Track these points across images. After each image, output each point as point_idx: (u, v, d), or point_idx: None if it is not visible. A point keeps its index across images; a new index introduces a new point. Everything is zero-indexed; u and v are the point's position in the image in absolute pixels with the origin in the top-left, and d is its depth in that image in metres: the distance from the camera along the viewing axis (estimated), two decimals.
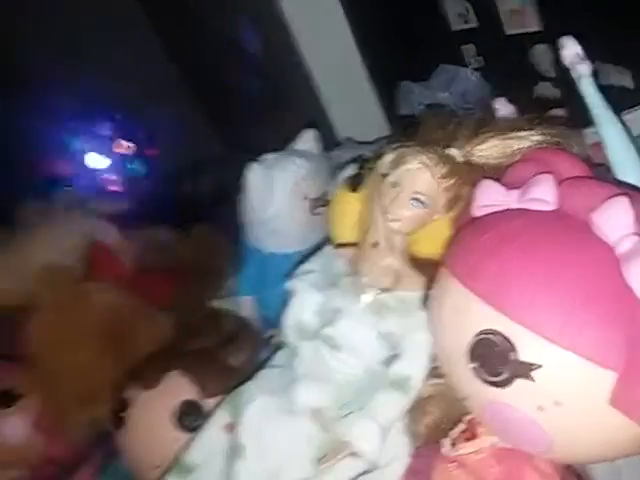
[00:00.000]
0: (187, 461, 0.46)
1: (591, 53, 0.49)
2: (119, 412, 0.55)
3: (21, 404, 0.63)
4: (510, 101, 0.51)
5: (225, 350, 0.58)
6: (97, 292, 0.64)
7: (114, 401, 0.57)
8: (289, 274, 0.50)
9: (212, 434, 0.46)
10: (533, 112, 0.47)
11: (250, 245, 0.70)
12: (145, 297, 0.65)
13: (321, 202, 0.65)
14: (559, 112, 0.64)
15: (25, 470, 0.63)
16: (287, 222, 0.65)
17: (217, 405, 0.49)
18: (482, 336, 0.34)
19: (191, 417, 0.52)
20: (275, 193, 0.63)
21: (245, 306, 0.68)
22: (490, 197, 0.40)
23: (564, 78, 0.52)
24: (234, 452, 0.43)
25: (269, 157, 0.66)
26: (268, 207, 0.64)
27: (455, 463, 0.40)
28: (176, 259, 0.71)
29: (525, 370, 0.32)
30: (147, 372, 0.55)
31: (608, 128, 0.48)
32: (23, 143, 1.35)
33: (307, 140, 0.69)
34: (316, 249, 0.51)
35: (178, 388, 0.54)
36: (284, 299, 0.62)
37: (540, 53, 0.73)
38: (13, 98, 1.38)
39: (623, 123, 0.49)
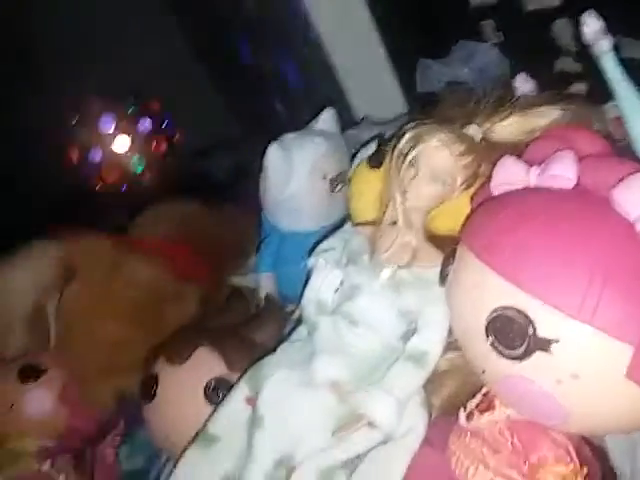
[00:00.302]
0: (210, 432, 0.47)
1: (612, 27, 0.48)
2: (149, 386, 0.57)
3: (45, 378, 0.65)
4: (530, 77, 0.51)
5: (251, 326, 0.60)
6: (129, 265, 0.65)
7: (144, 375, 0.59)
8: (309, 252, 0.51)
9: (234, 406, 0.48)
10: (553, 88, 0.47)
11: (269, 223, 0.71)
12: (175, 271, 0.67)
13: (340, 181, 0.65)
14: (580, 87, 0.63)
15: (50, 441, 0.65)
16: (306, 201, 0.65)
17: (238, 379, 0.50)
18: (500, 311, 0.35)
19: (220, 392, 0.53)
20: (294, 172, 0.64)
21: (264, 283, 0.69)
22: (509, 174, 0.40)
23: (585, 52, 0.51)
24: (254, 423, 0.45)
25: (288, 137, 0.66)
26: (287, 186, 0.64)
27: (470, 434, 0.41)
28: (205, 234, 0.72)
29: (543, 344, 0.33)
30: (176, 348, 0.57)
31: (629, 103, 0.48)
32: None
33: (326, 119, 0.69)
34: (336, 227, 0.51)
35: (207, 364, 0.55)
36: (303, 276, 0.63)
37: (560, 27, 0.72)
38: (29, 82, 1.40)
39: None
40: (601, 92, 0.53)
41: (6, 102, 1.34)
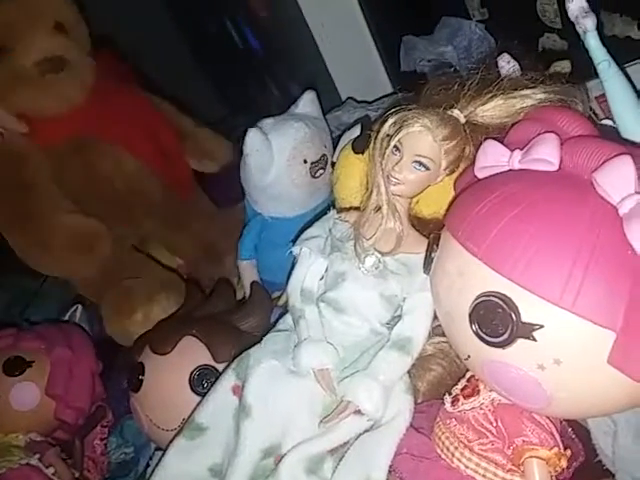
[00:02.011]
0: (197, 422, 0.48)
1: (597, 3, 0.48)
2: (135, 376, 0.56)
3: (31, 370, 0.65)
4: (514, 54, 0.50)
5: (237, 316, 0.59)
6: None
7: (130, 365, 0.59)
8: (293, 240, 0.50)
9: (220, 396, 0.48)
10: (538, 66, 0.46)
11: (251, 210, 0.70)
12: None
13: (321, 165, 0.64)
14: (564, 64, 0.62)
15: (38, 435, 0.65)
16: (287, 186, 0.64)
17: (224, 368, 0.50)
18: (483, 298, 0.35)
19: (205, 382, 0.54)
20: (274, 158, 0.63)
21: (246, 270, 0.69)
22: (492, 158, 0.40)
23: (570, 30, 0.50)
24: (242, 412, 0.45)
25: (267, 122, 0.65)
26: (267, 172, 0.64)
27: (456, 419, 0.41)
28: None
29: (526, 331, 0.33)
30: (161, 338, 0.57)
31: (612, 82, 0.47)
32: None
33: (307, 102, 0.68)
34: (320, 215, 0.51)
35: (192, 353, 0.55)
36: (286, 262, 0.63)
37: (545, 4, 0.71)
38: None
39: (628, 76, 0.48)
40: (585, 69, 0.52)
41: None
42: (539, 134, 0.39)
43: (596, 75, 0.50)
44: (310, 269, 0.48)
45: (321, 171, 0.64)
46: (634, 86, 0.49)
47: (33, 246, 0.65)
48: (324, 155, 0.65)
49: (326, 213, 0.50)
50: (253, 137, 0.62)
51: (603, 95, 0.52)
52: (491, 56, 0.51)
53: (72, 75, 0.59)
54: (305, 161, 0.64)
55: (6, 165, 0.62)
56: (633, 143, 0.46)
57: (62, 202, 0.64)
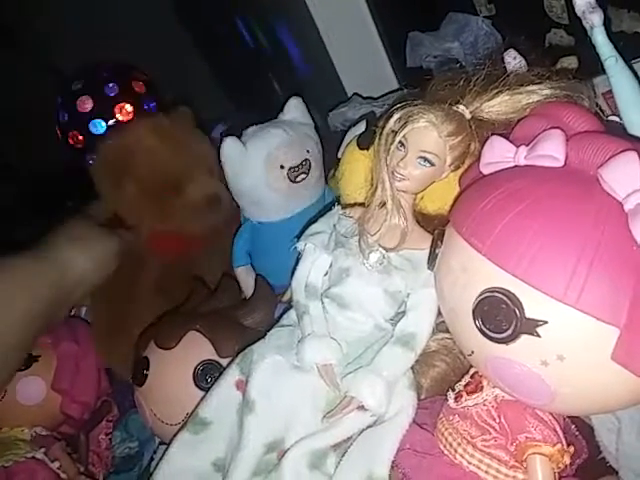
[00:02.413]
0: (201, 417, 0.48)
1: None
2: (140, 370, 0.57)
3: (37, 365, 0.65)
4: (521, 50, 0.50)
5: (241, 311, 0.59)
6: None
7: (135, 359, 0.59)
8: (297, 235, 0.50)
9: (224, 391, 0.48)
10: (544, 62, 0.46)
11: (242, 216, 0.72)
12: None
13: (302, 170, 0.64)
14: (571, 60, 0.62)
15: (43, 429, 0.66)
16: (265, 192, 0.65)
17: (228, 363, 0.50)
18: (487, 294, 0.35)
19: (209, 377, 0.54)
20: (249, 164, 0.64)
21: (243, 275, 0.69)
22: (497, 154, 0.40)
23: (577, 26, 0.50)
24: (245, 407, 0.45)
25: (251, 129, 0.66)
26: (243, 178, 0.65)
27: (459, 415, 0.41)
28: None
29: (530, 326, 0.33)
30: (166, 332, 0.57)
31: (619, 78, 0.47)
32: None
33: (291, 109, 0.69)
34: (325, 211, 0.51)
35: (196, 348, 0.55)
36: (274, 267, 0.64)
37: (552, 0, 0.70)
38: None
39: (635, 72, 0.48)
40: (592, 65, 0.52)
41: None
42: (545, 130, 0.39)
43: (603, 71, 0.49)
44: (314, 265, 0.48)
45: (302, 176, 0.64)
46: None
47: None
48: (306, 160, 0.65)
49: (331, 209, 0.50)
50: (226, 146, 0.64)
51: (610, 91, 0.51)
52: (497, 52, 0.50)
53: (224, 208, 0.72)
54: (282, 166, 0.64)
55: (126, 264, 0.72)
56: (639, 139, 0.45)
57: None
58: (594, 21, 0.46)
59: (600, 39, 0.47)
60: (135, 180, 0.71)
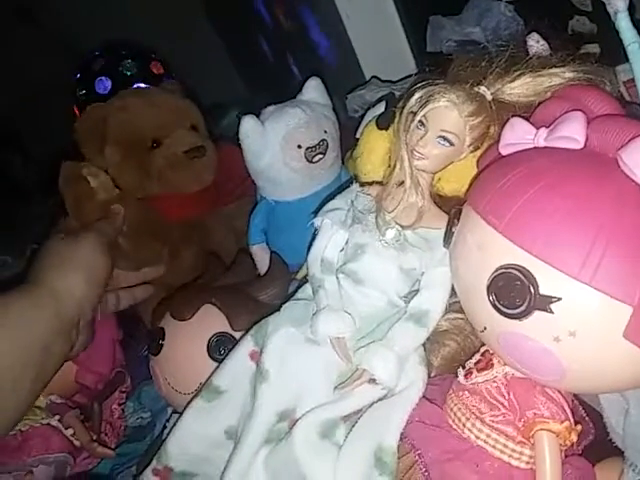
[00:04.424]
0: (215, 385, 0.49)
1: None
2: (156, 340, 0.58)
3: None
4: (544, 36, 0.50)
5: (256, 286, 0.60)
6: None
7: (151, 329, 0.60)
8: (315, 211, 0.51)
9: (239, 360, 0.49)
10: (567, 48, 0.46)
11: (259, 194, 0.72)
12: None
13: (319, 150, 0.65)
14: (593, 48, 0.62)
15: (59, 397, 0.67)
16: (283, 171, 0.65)
17: (243, 334, 0.51)
18: (503, 270, 0.35)
19: (223, 348, 0.55)
20: (268, 143, 0.64)
21: (258, 255, 0.70)
22: (517, 135, 0.40)
23: (600, 13, 0.50)
24: (259, 377, 0.46)
25: (269, 109, 0.67)
26: (261, 156, 0.65)
27: (469, 391, 0.42)
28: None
29: (544, 303, 0.34)
30: (182, 304, 0.58)
31: None
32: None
33: (310, 89, 0.69)
34: (343, 188, 0.51)
35: (211, 321, 0.56)
36: (289, 246, 0.64)
37: None
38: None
39: None
40: (615, 54, 0.52)
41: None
42: (566, 112, 0.39)
43: (625, 59, 0.49)
44: (331, 240, 0.48)
45: (320, 156, 0.65)
46: None
47: None
48: (323, 140, 0.65)
49: (349, 186, 0.50)
50: (245, 124, 0.64)
51: (632, 80, 0.51)
52: (520, 36, 0.50)
53: (209, 161, 0.73)
54: (300, 146, 0.64)
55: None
56: None
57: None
58: (619, 6, 0.46)
59: (624, 24, 0.47)
60: (113, 142, 0.71)
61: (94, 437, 0.68)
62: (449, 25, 0.77)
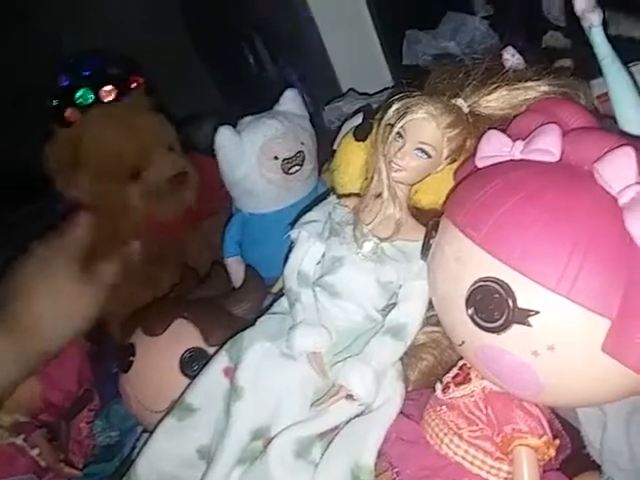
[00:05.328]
0: (187, 402, 0.47)
1: (603, 1, 0.48)
2: (125, 356, 0.56)
3: None
4: (519, 51, 0.50)
5: (230, 300, 0.59)
6: None
7: (121, 345, 0.58)
8: (291, 223, 0.50)
9: (212, 377, 0.48)
10: (541, 62, 0.47)
11: (234, 207, 0.71)
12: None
13: (296, 162, 0.64)
14: (567, 62, 0.62)
15: (24, 416, 0.64)
16: (259, 182, 0.65)
17: (217, 350, 0.50)
18: (481, 283, 0.35)
19: (196, 364, 0.53)
20: (244, 154, 0.64)
21: (233, 266, 0.69)
22: (494, 147, 0.40)
23: (574, 28, 0.50)
24: (233, 394, 0.45)
25: (246, 119, 0.66)
26: (237, 167, 0.64)
27: (446, 406, 0.41)
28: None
29: (522, 316, 0.33)
30: (153, 319, 0.56)
31: (615, 77, 0.47)
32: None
33: (287, 100, 0.69)
34: (319, 200, 0.51)
35: (184, 336, 0.55)
36: (263, 259, 0.63)
37: (550, 1, 0.71)
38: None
39: (631, 74, 0.48)
40: (588, 68, 0.52)
41: None
42: (541, 125, 0.39)
43: (598, 74, 0.50)
44: (308, 252, 0.48)
45: (296, 167, 0.65)
46: (637, 86, 0.49)
47: None
48: (300, 152, 0.65)
49: (325, 198, 0.50)
50: (221, 134, 0.63)
51: (605, 94, 0.52)
52: (496, 49, 0.51)
53: (192, 183, 0.70)
54: (276, 157, 0.64)
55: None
56: (635, 138, 0.46)
57: None
58: (593, 20, 0.46)
59: (598, 39, 0.47)
60: (87, 172, 0.67)
61: (61, 457, 0.65)
62: (425, 39, 0.77)
